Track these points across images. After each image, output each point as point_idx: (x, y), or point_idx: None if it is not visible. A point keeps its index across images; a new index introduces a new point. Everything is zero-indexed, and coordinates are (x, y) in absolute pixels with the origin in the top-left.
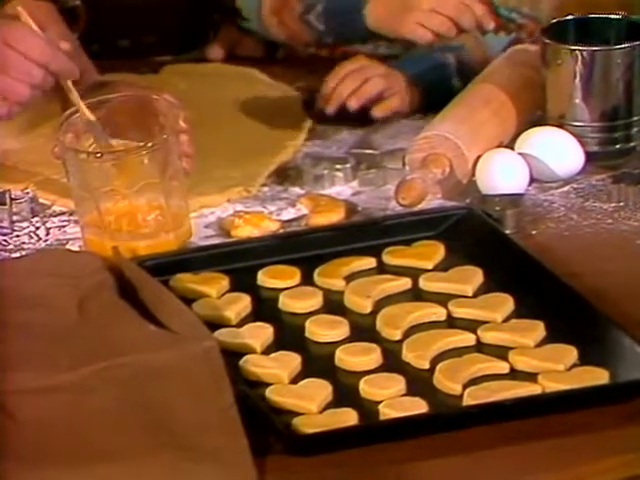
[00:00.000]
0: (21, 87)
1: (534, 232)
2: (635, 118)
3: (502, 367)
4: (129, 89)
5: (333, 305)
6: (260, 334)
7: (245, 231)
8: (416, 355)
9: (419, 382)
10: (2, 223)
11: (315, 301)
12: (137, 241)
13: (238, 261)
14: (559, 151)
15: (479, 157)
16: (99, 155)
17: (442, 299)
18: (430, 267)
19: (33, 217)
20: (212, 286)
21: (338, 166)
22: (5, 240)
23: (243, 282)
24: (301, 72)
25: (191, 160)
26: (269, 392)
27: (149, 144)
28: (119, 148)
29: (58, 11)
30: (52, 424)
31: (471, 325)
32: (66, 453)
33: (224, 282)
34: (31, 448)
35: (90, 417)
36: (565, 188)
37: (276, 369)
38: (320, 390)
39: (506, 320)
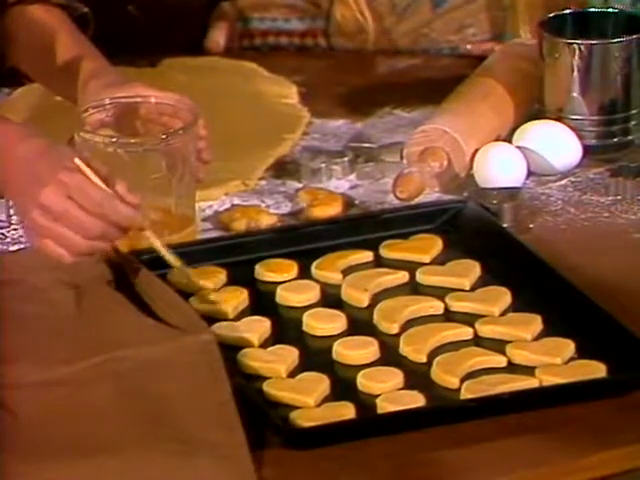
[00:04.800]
0: (76, 239)
1: (531, 225)
2: (633, 111)
3: (499, 361)
4: (147, 91)
5: (330, 299)
6: (257, 328)
7: (242, 225)
8: (413, 349)
9: (416, 376)
10: None
11: (312, 294)
12: (140, 240)
13: (236, 255)
14: (557, 144)
15: (477, 150)
16: (114, 141)
17: (439, 293)
18: (427, 261)
19: None
20: (210, 280)
21: (336, 160)
22: (2, 234)
23: (240, 276)
24: (299, 65)
25: (205, 168)
26: (266, 386)
27: (163, 136)
28: (135, 140)
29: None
30: (50, 417)
31: (468, 319)
32: (64, 446)
33: (221, 276)
34: (30, 441)
35: (88, 410)
36: (563, 181)
37: (273, 363)
38: (317, 384)
39: (503, 313)
